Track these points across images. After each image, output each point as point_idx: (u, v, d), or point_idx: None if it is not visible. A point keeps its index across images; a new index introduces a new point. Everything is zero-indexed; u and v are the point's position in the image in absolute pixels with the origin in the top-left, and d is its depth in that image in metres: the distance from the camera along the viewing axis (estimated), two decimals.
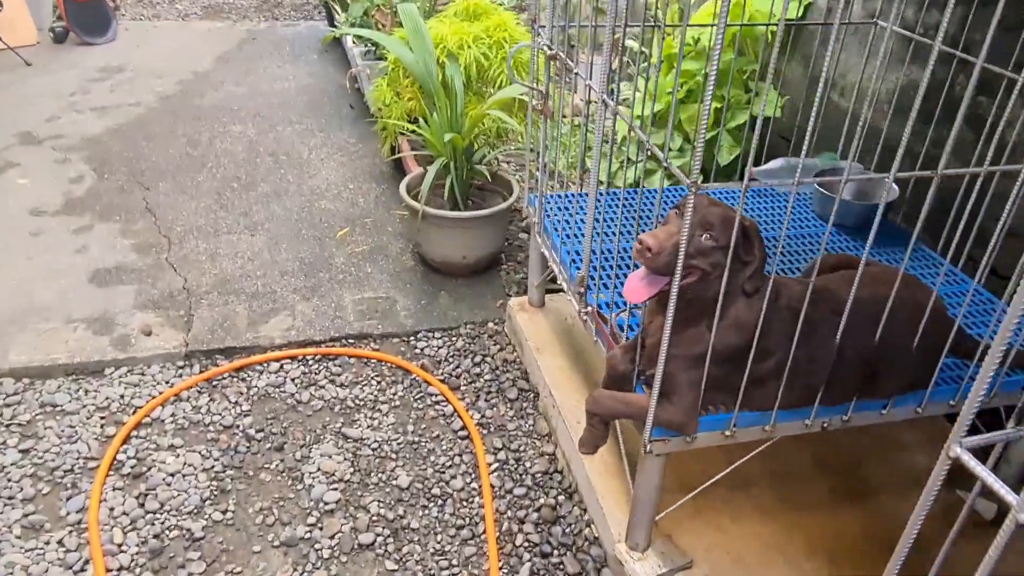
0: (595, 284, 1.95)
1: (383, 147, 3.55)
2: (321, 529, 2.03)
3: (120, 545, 1.96)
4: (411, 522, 2.06)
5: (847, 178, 1.36)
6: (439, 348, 2.71)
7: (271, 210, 3.50)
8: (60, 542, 1.96)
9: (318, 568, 1.93)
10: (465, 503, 2.13)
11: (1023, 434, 0.90)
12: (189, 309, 2.80)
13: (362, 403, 2.46)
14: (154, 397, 2.43)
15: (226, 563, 1.94)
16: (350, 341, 2.72)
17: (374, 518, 2.07)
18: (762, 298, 1.45)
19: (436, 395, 2.49)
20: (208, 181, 3.74)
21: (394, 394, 2.50)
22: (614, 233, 2.27)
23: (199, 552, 1.96)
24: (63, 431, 2.30)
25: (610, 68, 1.63)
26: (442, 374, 2.59)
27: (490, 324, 2.82)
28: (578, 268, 2.06)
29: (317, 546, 1.98)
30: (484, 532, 2.03)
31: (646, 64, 3.32)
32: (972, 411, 0.84)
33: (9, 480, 2.12)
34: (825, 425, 1.67)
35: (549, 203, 2.32)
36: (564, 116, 2.08)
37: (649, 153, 1.48)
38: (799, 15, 2.85)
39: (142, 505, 2.07)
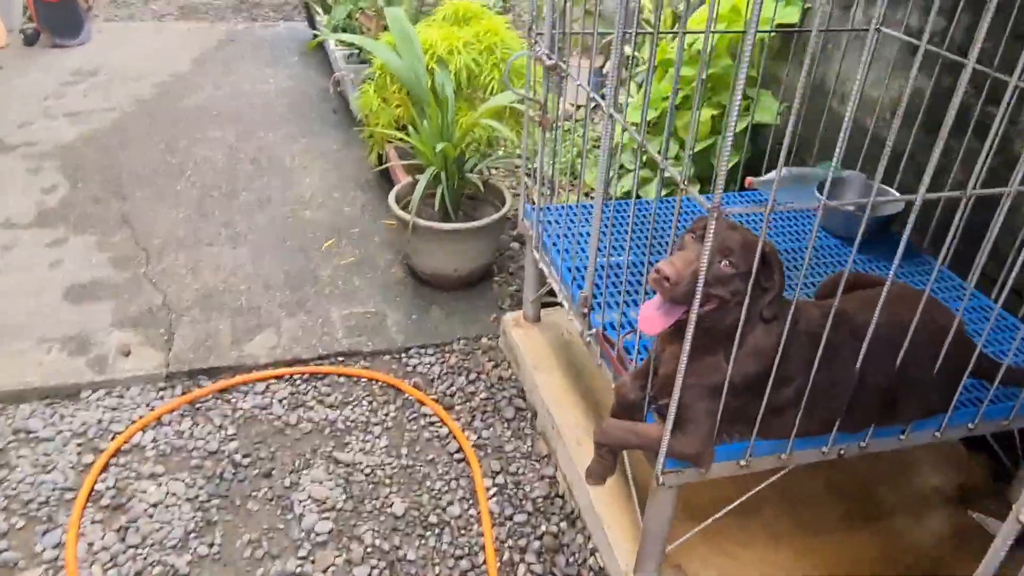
0: (600, 304, 1.87)
1: (370, 155, 3.45)
2: (313, 562, 1.94)
3: None
4: (408, 553, 1.97)
5: (874, 200, 1.28)
6: (432, 365, 2.62)
7: (254, 220, 3.39)
8: None
9: None
10: (464, 531, 2.04)
11: None
12: (169, 327, 2.69)
13: (353, 425, 2.36)
14: (134, 421, 2.32)
15: None
16: (339, 359, 2.62)
17: (369, 549, 1.98)
18: (781, 324, 1.38)
19: (430, 415, 2.41)
20: (188, 190, 3.61)
21: (386, 415, 2.41)
22: (619, 248, 2.19)
23: None
24: (38, 460, 2.18)
25: (618, 79, 1.55)
26: (436, 393, 2.50)
27: (484, 339, 2.73)
28: (580, 287, 1.98)
29: None
30: (484, 563, 1.95)
31: (642, 69, 3.26)
32: None
33: None
34: (842, 452, 1.61)
35: (548, 215, 2.23)
36: (556, 123, 1.99)
37: (644, 161, 1.40)
38: (798, 21, 2.79)
39: (123, 539, 1.97)
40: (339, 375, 2.55)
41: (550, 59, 1.90)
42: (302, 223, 3.39)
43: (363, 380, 2.53)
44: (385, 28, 3.70)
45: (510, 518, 2.07)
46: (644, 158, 2.86)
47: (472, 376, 2.57)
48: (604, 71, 3.90)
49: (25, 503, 2.05)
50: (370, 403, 2.45)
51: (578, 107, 3.58)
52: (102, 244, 3.14)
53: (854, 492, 2.02)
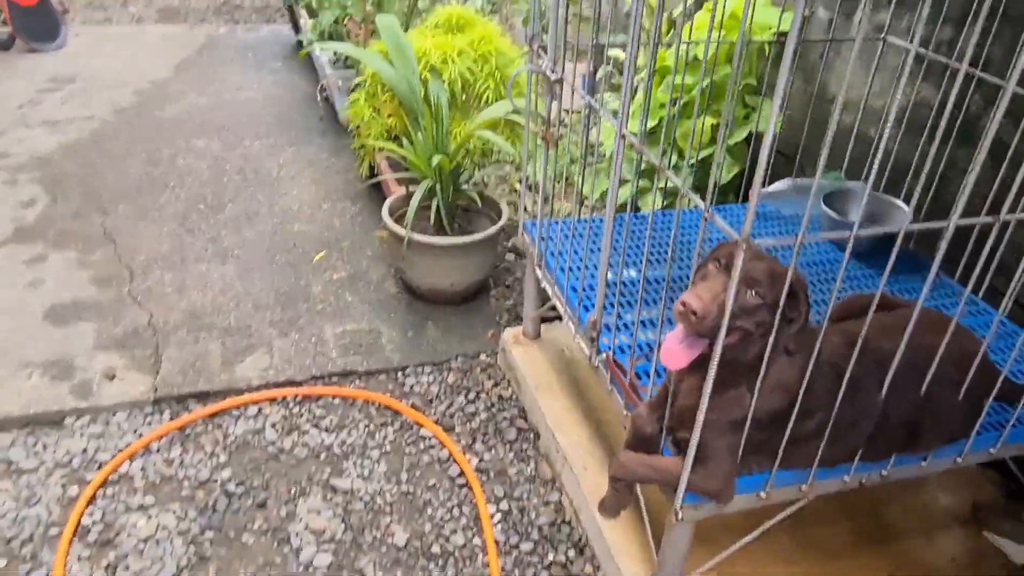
0: (610, 328, 1.81)
1: (361, 167, 3.37)
2: None
3: None
4: None
5: (907, 226, 1.23)
6: (429, 384, 2.54)
7: (241, 235, 3.30)
8: None
9: None
10: (469, 562, 1.97)
11: None
12: (156, 349, 2.59)
13: (350, 449, 2.28)
14: (121, 450, 2.23)
15: None
16: (333, 380, 2.54)
17: None
18: (805, 356, 1.33)
19: (429, 438, 2.33)
20: (172, 203, 3.51)
21: (384, 438, 2.33)
22: (629, 265, 2.14)
23: None
24: (20, 493, 2.09)
25: (630, 94, 1.49)
26: (435, 414, 2.43)
27: (482, 356, 2.67)
28: (587, 307, 1.92)
29: None
30: None
31: (640, 76, 3.20)
32: None
33: None
34: (863, 481, 1.56)
35: (552, 230, 2.16)
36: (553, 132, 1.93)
37: (643, 170, 1.34)
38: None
39: None
40: (334, 397, 2.47)
41: (554, 73, 1.83)
42: (291, 236, 3.30)
43: (359, 401, 2.46)
44: (373, 34, 3.63)
45: (516, 546, 2.00)
46: (643, 167, 2.80)
47: (471, 395, 2.50)
48: (597, 77, 3.84)
49: (7, 540, 1.95)
50: (367, 426, 2.37)
51: (572, 112, 3.51)
52: (83, 261, 3.04)
53: (864, 511, 1.97)
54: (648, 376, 1.74)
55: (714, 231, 2.38)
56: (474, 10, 3.20)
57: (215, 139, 4.17)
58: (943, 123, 1.30)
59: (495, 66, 2.91)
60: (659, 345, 1.58)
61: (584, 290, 1.94)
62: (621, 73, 3.78)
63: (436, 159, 2.54)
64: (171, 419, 2.35)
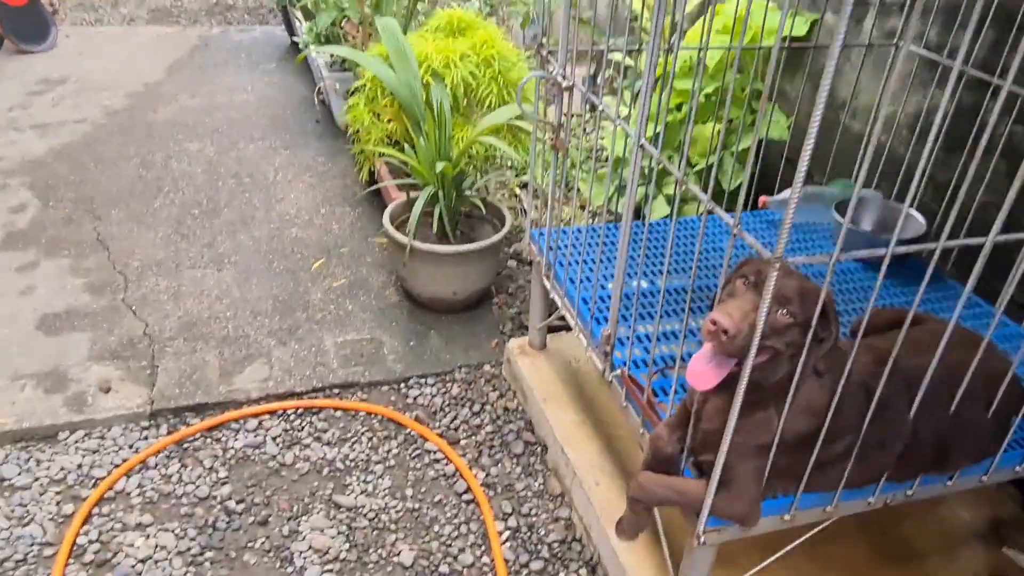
0: (623, 341, 1.76)
1: (360, 173, 3.31)
2: None
3: None
4: None
5: (943, 243, 1.19)
6: (433, 396, 2.49)
7: (238, 240, 3.23)
8: None
9: None
10: None
11: None
12: (152, 359, 2.52)
13: (353, 464, 2.22)
14: (117, 466, 2.16)
15: None
16: (335, 391, 2.48)
17: None
18: (834, 376, 1.28)
19: (434, 451, 2.28)
20: (166, 208, 3.44)
21: (388, 452, 2.27)
22: (644, 275, 2.08)
23: None
24: (13, 511, 2.02)
25: (649, 100, 1.44)
26: (439, 427, 2.37)
27: (486, 367, 2.61)
28: (599, 320, 1.87)
29: None
30: None
31: (640, 82, 3.16)
32: None
33: None
34: (889, 502, 1.52)
35: (562, 239, 2.11)
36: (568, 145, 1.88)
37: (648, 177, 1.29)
38: (805, 33, 2.71)
39: None
40: (336, 409, 2.41)
41: (565, 80, 1.78)
42: (289, 242, 3.24)
43: (362, 414, 2.40)
44: (371, 37, 3.57)
45: (526, 566, 1.95)
46: (648, 174, 2.76)
47: (476, 407, 2.44)
48: (598, 80, 3.80)
49: (0, 562, 1.89)
50: (370, 439, 2.31)
51: (572, 116, 3.46)
52: (76, 269, 2.96)
53: (882, 528, 1.93)
54: (665, 393, 1.69)
55: (715, 236, 2.34)
56: (475, 13, 3.15)
57: (209, 142, 4.10)
58: (969, 135, 1.25)
59: (498, 70, 2.85)
60: (678, 360, 1.54)
61: (596, 301, 1.90)
62: (622, 76, 3.74)
63: (440, 165, 2.49)
64: (168, 433, 2.29)
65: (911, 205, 2.28)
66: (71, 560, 1.91)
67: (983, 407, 1.44)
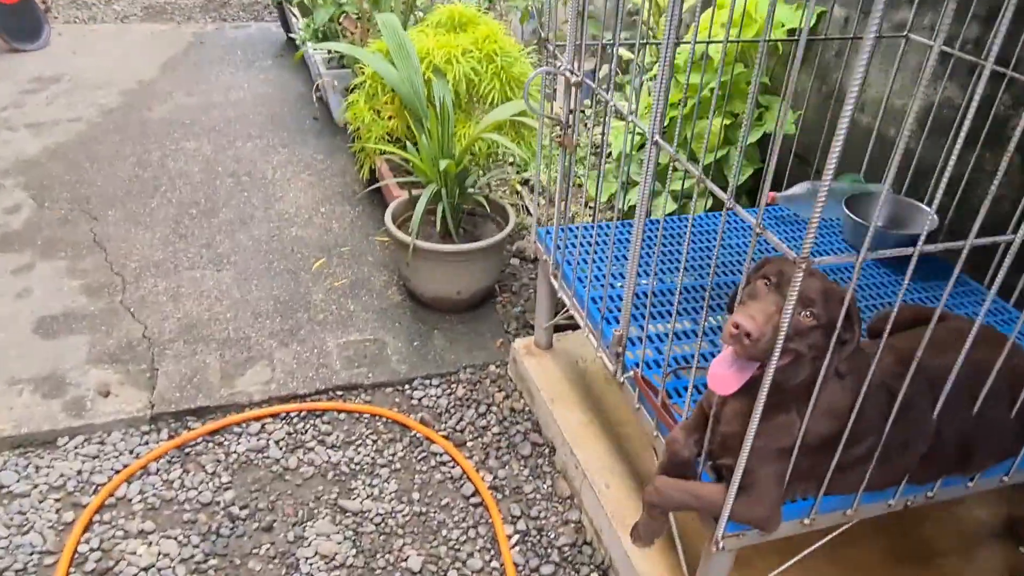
0: (634, 342, 1.72)
1: (361, 171, 3.26)
2: None
3: None
4: None
5: (972, 241, 1.16)
6: (438, 398, 2.45)
7: (237, 240, 3.18)
8: None
9: None
10: None
11: None
12: (152, 362, 2.48)
13: (358, 468, 2.19)
14: (118, 471, 2.12)
15: None
16: (338, 393, 2.44)
17: None
18: (858, 379, 1.25)
19: (441, 454, 2.24)
20: (163, 207, 3.39)
21: (393, 455, 2.24)
22: (650, 274, 2.05)
23: None
24: (12, 519, 1.98)
25: (663, 95, 1.40)
26: (445, 429, 2.34)
27: (492, 367, 2.58)
28: (609, 321, 1.83)
29: None
30: None
31: (646, 76, 3.12)
32: None
33: None
34: (909, 503, 1.49)
35: (570, 236, 2.07)
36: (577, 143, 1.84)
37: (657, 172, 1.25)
38: (813, 25, 2.67)
39: None
40: (340, 411, 2.37)
41: (574, 75, 1.74)
42: (289, 242, 3.19)
43: (366, 416, 2.36)
44: (369, 32, 3.52)
45: (536, 570, 1.92)
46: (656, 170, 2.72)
47: (482, 409, 2.41)
48: (601, 75, 3.75)
49: (0, 572, 1.85)
50: (375, 442, 2.28)
51: (573, 112, 3.42)
52: (73, 270, 2.92)
53: (898, 528, 1.90)
54: (679, 394, 1.66)
55: (726, 233, 2.31)
56: (475, 8, 3.11)
57: (206, 140, 4.05)
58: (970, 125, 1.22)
59: (500, 66, 2.81)
60: (695, 360, 1.50)
61: (607, 301, 1.86)
62: (624, 72, 3.70)
63: (443, 163, 2.45)
64: (169, 437, 2.25)
65: (927, 203, 2.26)
66: (72, 569, 1.87)
67: (1007, 406, 1.41)
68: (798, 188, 2.39)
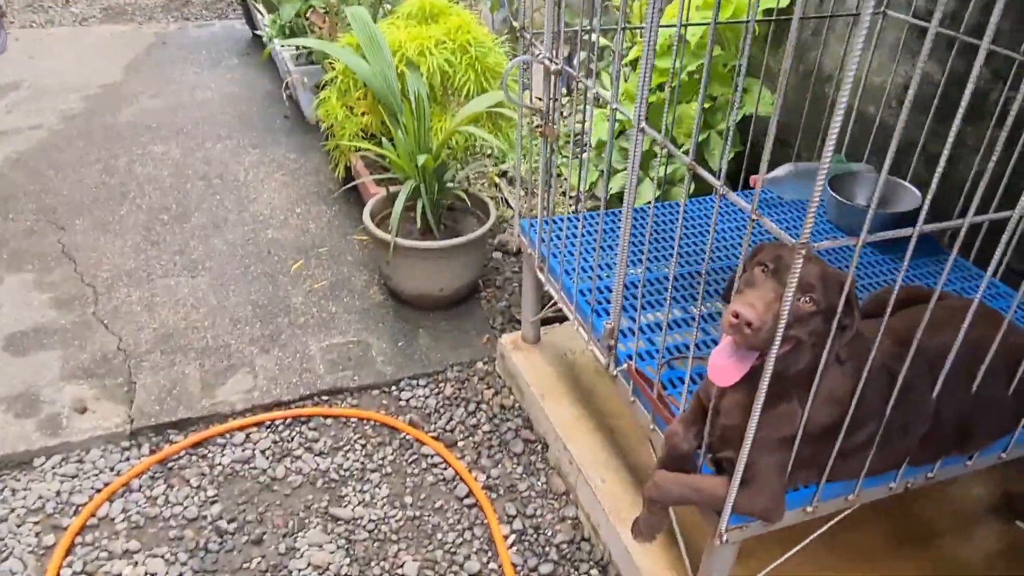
0: (625, 333, 1.69)
1: (336, 169, 3.19)
2: None
3: None
4: None
5: (970, 219, 1.13)
6: (426, 398, 2.41)
7: (211, 245, 3.10)
8: None
9: None
10: None
11: None
12: (129, 375, 2.41)
13: (348, 474, 2.14)
14: (99, 490, 2.05)
15: None
16: (323, 398, 2.39)
17: None
18: (858, 364, 1.22)
19: (431, 455, 2.20)
20: (133, 214, 3.30)
21: (383, 459, 2.19)
22: (639, 263, 2.02)
23: None
24: None
25: (648, 81, 1.37)
26: (435, 429, 2.29)
27: (479, 364, 2.53)
28: (599, 314, 1.80)
29: None
30: None
31: (616, 63, 3.08)
32: None
33: None
34: (909, 485, 1.47)
35: (555, 227, 2.03)
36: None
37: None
38: (787, 5, 2.65)
39: None
40: (326, 417, 2.32)
41: (554, 63, 1.70)
42: (265, 244, 3.12)
43: (353, 421, 2.31)
44: (337, 26, 3.44)
45: (535, 569, 1.89)
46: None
47: (471, 407, 2.37)
48: (573, 63, 3.70)
49: None
50: (364, 446, 2.23)
51: (554, 100, 3.38)
52: (41, 283, 2.82)
53: (896, 509, 1.89)
54: (674, 385, 1.63)
55: (707, 220, 2.28)
56: None
57: (174, 144, 3.95)
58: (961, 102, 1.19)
59: (474, 56, 2.75)
60: (691, 349, 1.47)
61: (596, 293, 1.82)
62: (599, 59, 3.65)
63: (421, 158, 2.39)
64: (151, 452, 2.18)
65: (904, 179, 2.24)
66: None
67: (1004, 384, 1.40)
68: (780, 170, 2.36)
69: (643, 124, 1.38)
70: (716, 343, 1.72)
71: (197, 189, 3.52)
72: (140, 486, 2.08)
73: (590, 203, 3.13)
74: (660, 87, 2.86)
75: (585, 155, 2.95)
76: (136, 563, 1.88)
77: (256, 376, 2.43)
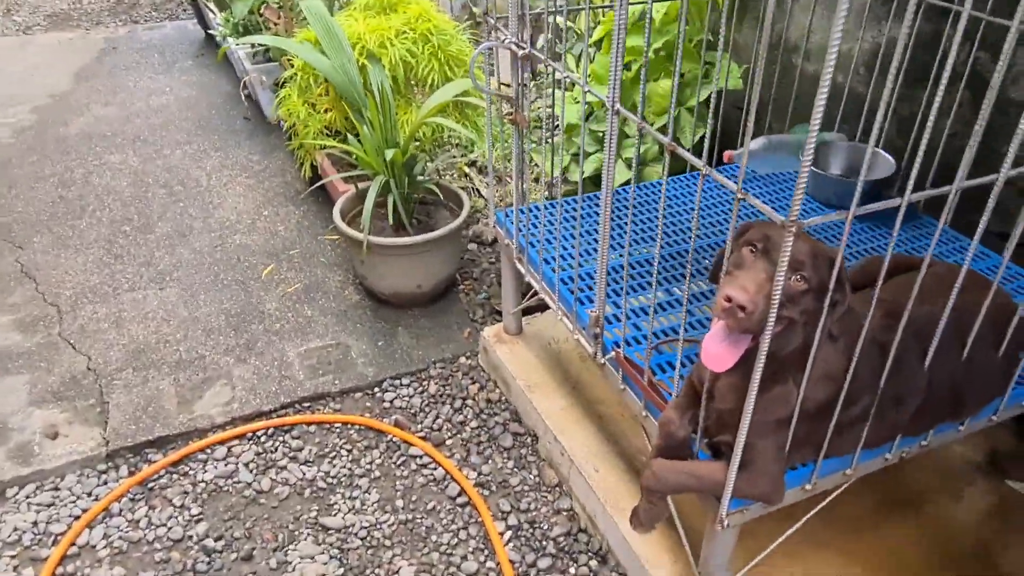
0: (610, 320, 1.66)
1: (302, 169, 3.11)
2: None
3: None
4: None
5: (960, 184, 1.11)
6: (410, 397, 2.36)
7: (177, 254, 3.01)
8: None
9: None
10: None
11: None
12: (101, 395, 2.33)
13: (336, 481, 2.09)
14: (77, 518, 1.98)
15: None
16: (305, 405, 2.33)
17: None
18: (850, 339, 1.20)
19: (420, 456, 2.16)
20: (93, 228, 3.19)
21: (371, 463, 2.14)
22: (619, 248, 1.98)
23: None
24: None
25: (619, 61, 1.33)
26: (421, 429, 2.25)
27: (462, 359, 2.49)
28: (582, 302, 1.76)
29: None
30: None
31: (584, 43, 3.03)
32: None
33: None
34: (905, 455, 1.47)
35: (532, 216, 1.99)
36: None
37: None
38: None
39: None
40: (309, 424, 2.26)
41: (521, 48, 1.65)
42: (233, 251, 3.04)
43: (337, 426, 2.26)
44: (293, 21, 3.35)
45: (533, 565, 1.86)
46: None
47: (457, 404, 2.33)
48: (538, 46, 3.65)
49: None
50: (350, 452, 2.18)
51: (522, 85, 3.32)
52: (2, 306, 2.72)
53: (883, 474, 1.88)
54: (663, 370, 1.60)
55: (683, 198, 2.25)
56: None
57: (131, 152, 3.82)
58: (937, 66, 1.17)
59: (437, 45, 2.69)
60: (682, 333, 1.44)
61: (578, 280, 1.79)
62: (561, 41, 3.60)
63: (389, 153, 2.33)
64: (130, 474, 2.11)
65: (877, 145, 2.23)
66: None
67: (992, 347, 1.40)
68: (753, 144, 2.34)
69: (617, 105, 1.34)
70: (703, 324, 1.70)
71: (159, 198, 3.42)
72: (121, 510, 2.01)
73: (564, 188, 3.09)
74: (627, 66, 2.82)
75: (556, 139, 2.91)
76: None
77: (234, 387, 2.37)
